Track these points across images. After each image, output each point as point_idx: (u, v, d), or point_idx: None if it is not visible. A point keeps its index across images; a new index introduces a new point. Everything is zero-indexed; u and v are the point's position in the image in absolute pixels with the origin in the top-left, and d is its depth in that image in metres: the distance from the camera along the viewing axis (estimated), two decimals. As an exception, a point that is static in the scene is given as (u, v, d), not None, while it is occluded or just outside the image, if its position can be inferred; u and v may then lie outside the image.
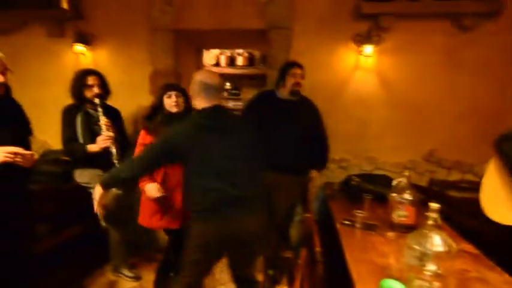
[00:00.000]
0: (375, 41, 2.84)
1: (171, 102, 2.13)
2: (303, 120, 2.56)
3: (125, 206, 2.53)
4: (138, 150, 2.13)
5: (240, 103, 7.36)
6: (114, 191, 2.41)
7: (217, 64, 6.41)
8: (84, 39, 3.04)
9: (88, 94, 2.41)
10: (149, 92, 3.10)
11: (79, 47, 3.05)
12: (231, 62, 6.43)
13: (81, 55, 3.11)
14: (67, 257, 2.69)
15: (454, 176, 3.02)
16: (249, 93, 7.34)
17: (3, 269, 1.78)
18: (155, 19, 3.02)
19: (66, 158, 2.86)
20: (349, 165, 3.12)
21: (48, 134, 3.16)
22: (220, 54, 6.05)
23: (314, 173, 2.63)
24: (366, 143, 3.07)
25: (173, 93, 2.15)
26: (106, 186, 1.79)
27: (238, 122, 1.94)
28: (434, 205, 1.30)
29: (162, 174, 2.13)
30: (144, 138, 2.15)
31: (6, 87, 1.77)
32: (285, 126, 2.50)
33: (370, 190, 2.58)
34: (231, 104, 7.38)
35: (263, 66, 6.38)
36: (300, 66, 2.49)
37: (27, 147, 1.90)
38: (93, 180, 2.48)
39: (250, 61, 6.43)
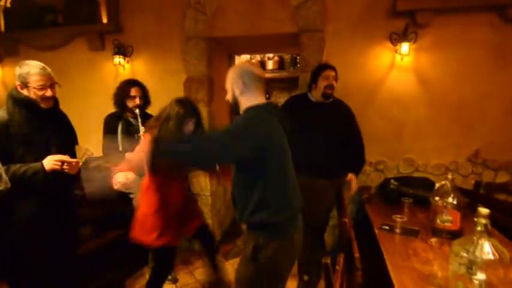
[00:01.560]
0: (411, 38, 2.73)
1: None
2: (337, 122, 2.51)
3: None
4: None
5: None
6: None
7: (248, 69, 6.47)
8: (123, 51, 3.20)
9: (130, 104, 2.51)
10: (184, 99, 3.19)
11: (118, 59, 3.20)
12: (261, 66, 6.48)
13: (120, 66, 3.27)
14: (109, 259, 2.81)
15: (502, 178, 2.82)
16: (279, 97, 7.36)
17: (50, 270, 1.90)
18: (189, 28, 3.11)
19: (108, 165, 3.01)
20: (386, 167, 3.01)
21: (90, 142, 3.32)
22: (251, 59, 6.11)
23: (350, 176, 2.55)
24: (404, 144, 2.95)
25: None
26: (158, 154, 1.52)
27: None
28: (483, 210, 1.22)
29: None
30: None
31: (54, 100, 1.89)
32: (318, 130, 2.46)
33: (409, 194, 2.48)
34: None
35: (293, 69, 6.36)
36: (332, 68, 2.45)
37: (73, 155, 2.03)
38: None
39: (281, 65, 6.43)
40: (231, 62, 4.04)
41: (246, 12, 3.01)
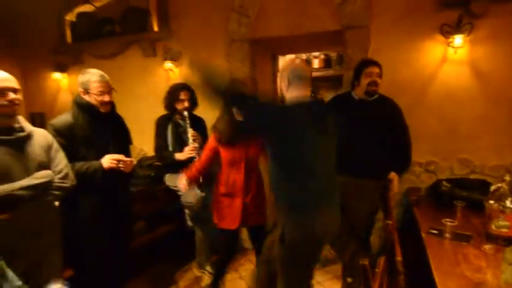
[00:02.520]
0: (465, 30, 2.54)
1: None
2: (382, 120, 2.42)
3: (208, 207, 2.73)
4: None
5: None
6: (198, 193, 2.62)
7: (293, 68, 6.46)
8: (172, 56, 3.39)
9: (179, 107, 2.66)
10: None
11: (168, 64, 3.40)
12: (307, 64, 6.41)
13: (170, 71, 3.47)
14: (159, 252, 3.01)
15: None
16: (325, 96, 7.23)
17: (106, 262, 2.08)
18: (232, 31, 3.20)
19: (158, 163, 3.22)
20: (438, 168, 2.84)
21: (144, 142, 3.58)
22: (296, 58, 6.08)
23: (393, 175, 2.45)
24: (458, 144, 2.75)
25: None
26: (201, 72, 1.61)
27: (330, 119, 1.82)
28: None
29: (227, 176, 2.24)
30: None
31: (112, 104, 2.08)
32: (362, 128, 2.40)
33: (462, 196, 2.32)
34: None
35: (340, 67, 6.21)
36: (376, 64, 2.37)
37: (128, 154, 2.21)
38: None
39: (327, 63, 6.31)
40: (274, 62, 4.07)
41: (287, 12, 3.02)
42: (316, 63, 6.35)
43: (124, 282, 2.31)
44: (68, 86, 4.02)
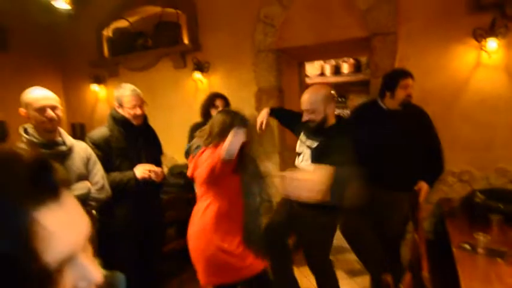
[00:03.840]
0: (500, 33, 2.43)
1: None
2: (412, 130, 2.37)
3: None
4: None
5: (346, 111, 7.19)
6: None
7: (322, 74, 6.42)
8: (201, 67, 3.51)
9: (213, 113, 2.74)
10: (255, 108, 3.35)
11: (197, 75, 3.52)
12: (336, 70, 6.35)
13: (199, 81, 3.59)
14: (189, 258, 3.09)
15: None
16: (355, 100, 7.11)
17: (139, 267, 2.19)
18: (258, 42, 3.26)
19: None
20: (473, 178, 2.71)
21: (175, 151, 3.72)
22: (325, 63, 6.05)
23: (422, 184, 2.37)
24: (495, 152, 2.62)
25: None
26: None
27: None
28: None
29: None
30: None
31: (144, 117, 2.21)
32: (392, 139, 2.35)
33: (499, 209, 2.21)
34: (336, 112, 7.26)
35: (370, 71, 6.08)
36: (411, 76, 2.32)
37: (159, 164, 2.32)
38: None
39: (357, 67, 6.21)
40: (301, 69, 4.08)
41: (313, 21, 3.03)
42: (345, 68, 6.27)
43: (156, 287, 2.41)
44: (106, 97, 4.27)
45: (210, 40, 3.52)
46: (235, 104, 3.39)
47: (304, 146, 2.14)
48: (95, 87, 4.17)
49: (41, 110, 1.65)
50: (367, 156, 2.41)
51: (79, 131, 4.25)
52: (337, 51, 3.70)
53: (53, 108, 1.70)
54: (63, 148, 1.75)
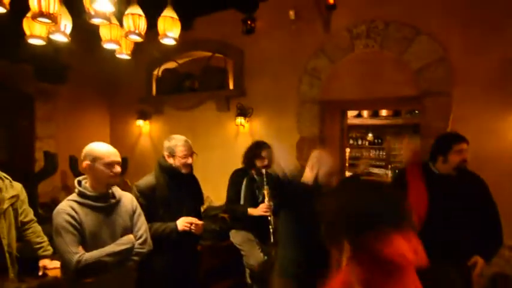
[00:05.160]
0: None
1: None
2: (465, 197, 2.20)
3: (268, 268, 2.69)
4: None
5: (382, 153, 7.00)
6: (261, 256, 2.61)
7: (359, 115, 6.35)
8: (244, 112, 3.56)
9: (258, 164, 2.73)
10: (296, 158, 3.31)
11: (240, 119, 3.58)
12: (375, 112, 6.26)
13: (241, 126, 3.63)
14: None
15: None
16: (393, 143, 6.93)
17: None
18: (304, 93, 3.29)
19: (224, 216, 3.30)
20: (534, 255, 2.47)
21: (210, 190, 3.71)
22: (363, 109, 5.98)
23: (477, 259, 2.18)
24: (560, 229, 2.38)
25: None
26: None
27: None
28: None
29: None
30: None
31: (191, 166, 2.23)
32: (444, 205, 2.21)
33: None
34: (372, 154, 7.10)
35: (410, 116, 5.95)
36: (466, 141, 2.20)
37: (199, 214, 2.31)
38: (244, 243, 2.77)
39: (396, 112, 6.11)
40: (343, 118, 4.03)
41: (361, 76, 3.03)
42: (384, 112, 6.18)
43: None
44: (148, 132, 4.42)
45: (255, 86, 3.60)
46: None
47: None
48: (139, 122, 4.34)
49: (110, 165, 1.71)
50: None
51: (123, 165, 4.37)
52: (385, 105, 3.64)
53: (119, 164, 1.76)
54: (113, 201, 1.78)
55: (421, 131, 2.85)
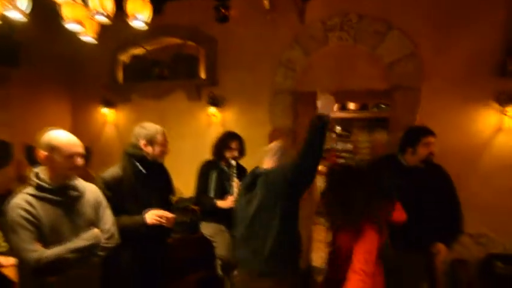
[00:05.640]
0: (525, 100, 2.43)
1: None
2: (431, 187, 2.31)
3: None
4: None
5: (349, 145, 7.20)
6: (230, 245, 2.58)
7: (328, 108, 6.45)
8: (216, 102, 3.47)
9: (228, 155, 2.69)
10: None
11: (212, 109, 3.49)
12: (343, 105, 6.39)
13: (213, 116, 3.55)
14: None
15: None
16: (359, 136, 7.15)
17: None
18: (278, 84, 3.26)
19: (195, 207, 3.22)
20: (490, 242, 2.65)
21: (181, 182, 3.60)
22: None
23: (440, 246, 2.30)
24: (513, 218, 2.57)
25: None
26: None
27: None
28: None
29: None
30: None
31: None
32: (409, 195, 2.29)
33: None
34: (339, 146, 7.29)
35: (377, 110, 6.14)
36: (434, 134, 2.29)
37: (169, 206, 2.23)
38: (215, 234, 2.73)
39: (363, 105, 6.27)
40: (316, 110, 4.06)
41: (335, 70, 3.05)
42: (352, 105, 6.32)
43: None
44: (115, 120, 4.20)
45: (228, 76, 3.51)
46: (247, 143, 3.34)
47: None
48: (104, 110, 4.11)
49: (71, 157, 1.58)
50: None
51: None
52: (356, 98, 3.70)
53: (82, 156, 1.64)
54: (75, 193, 1.65)
55: (390, 124, 2.93)
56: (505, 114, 2.52)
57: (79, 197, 1.67)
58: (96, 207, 1.74)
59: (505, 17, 2.52)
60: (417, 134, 2.32)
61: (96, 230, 1.68)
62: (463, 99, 2.66)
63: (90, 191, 1.75)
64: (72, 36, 2.12)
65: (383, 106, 5.99)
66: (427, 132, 2.31)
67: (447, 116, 2.70)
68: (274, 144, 2.03)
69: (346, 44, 2.99)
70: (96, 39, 2.19)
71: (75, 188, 1.66)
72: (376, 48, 2.87)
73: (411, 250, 2.27)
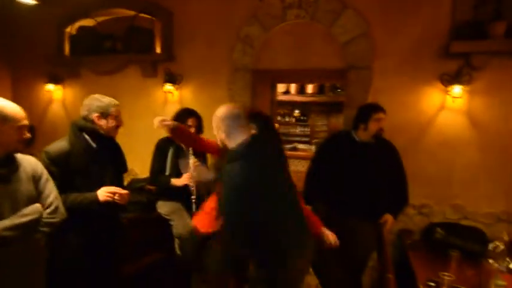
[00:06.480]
0: (465, 80, 2.62)
1: None
2: (380, 162, 2.45)
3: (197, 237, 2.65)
4: None
5: (307, 129, 7.39)
6: (189, 224, 2.55)
7: (287, 92, 6.55)
8: (173, 79, 3.36)
9: None
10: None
11: (168, 86, 3.37)
12: (301, 90, 6.52)
13: (169, 93, 3.43)
14: (146, 282, 2.89)
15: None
16: (317, 120, 7.36)
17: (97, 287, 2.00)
18: (236, 60, 3.22)
19: (151, 187, 3.13)
20: (431, 212, 2.87)
21: (135, 162, 3.48)
22: (291, 83, 6.16)
23: (388, 217, 2.46)
24: (452, 189, 2.80)
25: None
26: None
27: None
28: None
29: None
30: None
31: None
32: (361, 169, 2.42)
33: (457, 246, 2.34)
34: (298, 130, 7.46)
35: (333, 94, 6.35)
36: (383, 110, 2.41)
37: (122, 183, 2.15)
38: (172, 213, 2.68)
39: (320, 89, 6.44)
40: (273, 90, 4.08)
41: (293, 47, 3.06)
42: (310, 89, 6.47)
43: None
44: (62, 98, 3.92)
45: (185, 52, 3.40)
46: (206, 120, 3.28)
47: None
48: (50, 87, 3.81)
49: (21, 129, 1.48)
50: (337, 186, 2.48)
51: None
52: (313, 78, 3.77)
53: (28, 130, 1.54)
54: (12, 167, 1.52)
55: (345, 102, 3.03)
56: (448, 94, 2.71)
57: (16, 171, 1.54)
58: (36, 180, 1.61)
59: (450, 2, 2.67)
60: (368, 111, 2.44)
61: (37, 205, 1.56)
62: (411, 79, 2.81)
63: (28, 164, 1.61)
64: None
65: (339, 90, 6.21)
66: (377, 108, 2.44)
67: (396, 95, 2.84)
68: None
69: (303, 21, 3.01)
70: (37, 1, 1.99)
71: (9, 160, 1.53)
72: (332, 26, 2.92)
73: (364, 220, 2.41)
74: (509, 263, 1.73)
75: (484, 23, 2.55)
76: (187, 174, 2.52)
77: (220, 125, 1.67)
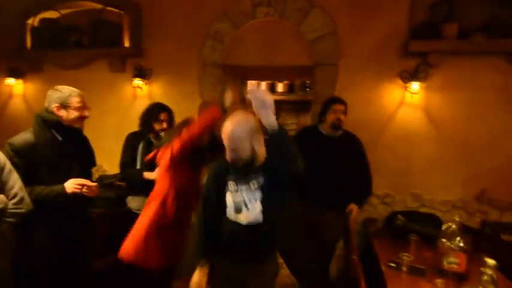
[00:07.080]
0: (422, 77, 2.82)
1: None
2: (346, 155, 2.57)
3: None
4: None
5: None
6: None
7: (257, 90, 6.62)
8: (142, 74, 3.32)
9: (157, 127, 2.59)
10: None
11: (137, 81, 3.33)
12: (271, 88, 6.61)
13: (138, 88, 3.39)
14: (116, 277, 2.83)
15: (508, 218, 2.84)
16: (287, 119, 7.50)
17: (66, 281, 1.95)
18: (206, 56, 3.24)
19: (121, 184, 3.08)
20: (393, 201, 3.05)
21: (104, 159, 3.40)
22: (261, 80, 6.23)
23: (353, 206, 2.58)
24: (411, 179, 3.00)
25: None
26: None
27: None
28: (490, 261, 1.26)
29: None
30: None
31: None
32: (327, 161, 2.52)
33: (416, 230, 2.50)
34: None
35: (302, 92, 6.51)
36: (342, 102, 2.54)
37: (90, 177, 2.11)
38: (142, 208, 2.66)
39: (290, 88, 6.57)
40: (243, 86, 4.15)
41: (262, 44, 3.14)
42: (280, 88, 6.58)
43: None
44: (23, 92, 3.75)
45: (155, 47, 3.38)
46: (176, 116, 3.28)
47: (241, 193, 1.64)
48: (10, 81, 3.63)
49: None
50: (305, 178, 2.57)
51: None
52: (282, 75, 3.87)
53: None
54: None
55: (312, 99, 3.14)
56: (406, 90, 2.90)
57: None
58: None
59: (408, 3, 2.86)
60: (328, 102, 2.58)
61: (1, 196, 1.53)
62: (374, 76, 2.97)
63: None
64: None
65: (308, 89, 6.38)
66: (335, 99, 2.58)
67: (360, 91, 2.99)
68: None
69: (272, 19, 3.09)
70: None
71: None
72: (300, 24, 3.03)
73: (331, 210, 2.52)
74: (460, 242, 1.89)
75: (438, 23, 2.76)
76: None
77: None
